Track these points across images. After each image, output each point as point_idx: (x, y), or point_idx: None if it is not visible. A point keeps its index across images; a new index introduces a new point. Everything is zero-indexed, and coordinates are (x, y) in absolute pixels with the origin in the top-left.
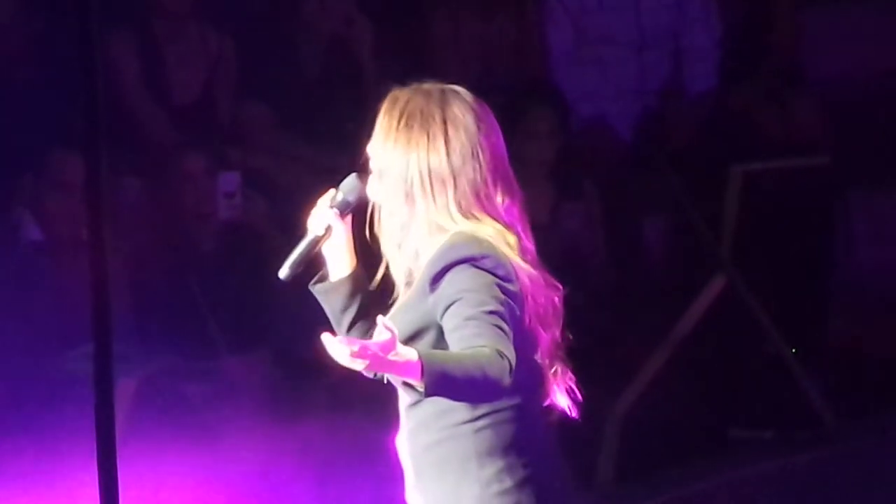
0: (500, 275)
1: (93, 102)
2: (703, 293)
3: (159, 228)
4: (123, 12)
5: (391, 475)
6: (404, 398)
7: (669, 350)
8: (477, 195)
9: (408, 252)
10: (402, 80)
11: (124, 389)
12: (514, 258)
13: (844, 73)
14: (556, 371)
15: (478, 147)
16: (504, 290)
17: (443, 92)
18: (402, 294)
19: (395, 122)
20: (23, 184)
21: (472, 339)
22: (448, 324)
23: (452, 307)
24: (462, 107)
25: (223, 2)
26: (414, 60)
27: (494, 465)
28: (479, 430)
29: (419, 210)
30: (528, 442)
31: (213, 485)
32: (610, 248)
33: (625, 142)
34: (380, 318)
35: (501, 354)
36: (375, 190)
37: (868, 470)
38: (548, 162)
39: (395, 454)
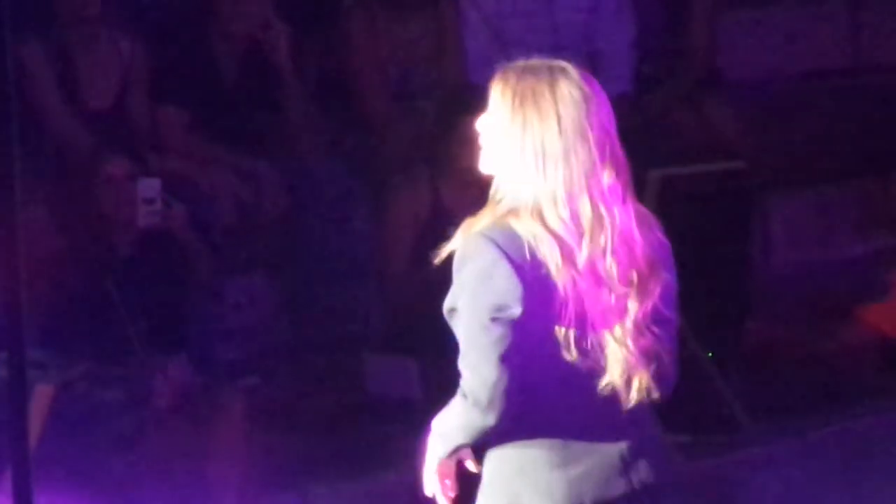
0: (496, 286)
1: (4, 101)
2: None
3: (77, 234)
4: (32, 18)
5: (309, 478)
6: None
7: None
8: (585, 173)
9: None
10: (319, 84)
11: (41, 395)
12: (554, 256)
13: (761, 77)
14: (625, 353)
15: (586, 124)
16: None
17: (551, 69)
18: None
19: (508, 102)
20: None
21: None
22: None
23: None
24: (570, 84)
25: (135, 6)
26: (331, 64)
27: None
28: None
29: (526, 188)
30: (543, 433)
31: (131, 491)
32: None
33: None
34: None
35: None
36: (489, 165)
37: (784, 473)
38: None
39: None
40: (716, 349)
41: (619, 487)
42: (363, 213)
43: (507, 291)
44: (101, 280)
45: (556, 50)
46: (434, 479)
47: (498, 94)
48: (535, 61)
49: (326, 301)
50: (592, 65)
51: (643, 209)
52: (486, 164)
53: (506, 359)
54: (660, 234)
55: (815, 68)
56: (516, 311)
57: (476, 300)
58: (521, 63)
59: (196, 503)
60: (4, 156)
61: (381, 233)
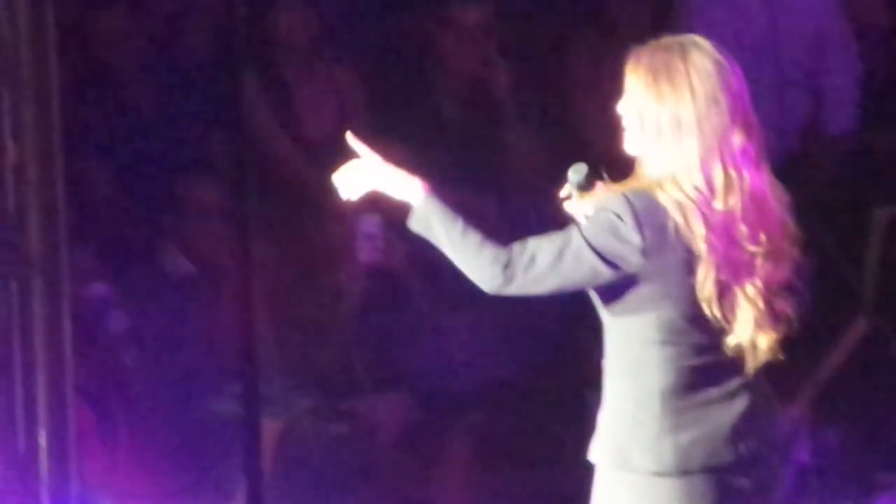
0: (615, 229)
1: (237, 133)
2: (846, 336)
3: (304, 269)
4: (253, 50)
5: None
6: (603, 317)
7: (812, 393)
8: (718, 140)
9: None
10: (541, 121)
11: (268, 431)
12: (693, 224)
13: None
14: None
15: (718, 91)
16: (607, 240)
17: (682, 44)
18: None
19: (642, 79)
20: (168, 220)
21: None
22: None
23: None
24: (701, 54)
25: (354, 39)
26: (553, 101)
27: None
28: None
29: (664, 159)
30: (689, 390)
31: None
32: None
33: None
34: None
35: (505, 263)
36: (633, 144)
37: None
38: None
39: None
40: None
41: (727, 455)
42: None
43: (621, 250)
44: (327, 315)
45: (780, 85)
46: (362, 185)
47: (632, 73)
48: (666, 39)
49: (546, 333)
50: (817, 101)
51: (778, 184)
52: (628, 144)
53: (554, 286)
54: (788, 216)
55: None
56: (605, 271)
57: (593, 231)
58: (652, 43)
59: None
60: (238, 193)
61: None
